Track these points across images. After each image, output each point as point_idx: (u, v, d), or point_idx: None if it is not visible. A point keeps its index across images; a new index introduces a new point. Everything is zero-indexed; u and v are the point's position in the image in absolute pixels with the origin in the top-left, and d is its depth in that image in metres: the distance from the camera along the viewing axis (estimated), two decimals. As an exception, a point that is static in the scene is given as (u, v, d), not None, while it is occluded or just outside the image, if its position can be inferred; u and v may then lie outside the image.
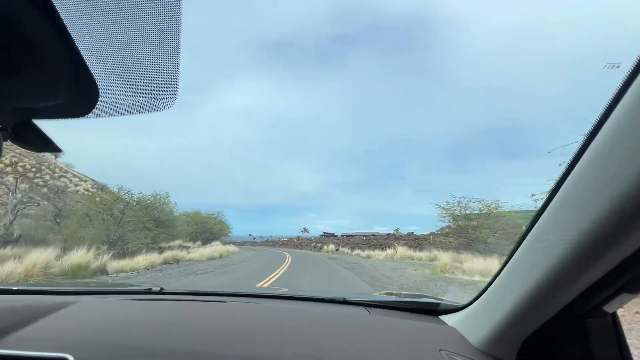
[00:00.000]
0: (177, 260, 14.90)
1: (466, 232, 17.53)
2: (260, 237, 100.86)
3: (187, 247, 23.28)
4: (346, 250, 28.79)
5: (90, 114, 0.54)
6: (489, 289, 0.82)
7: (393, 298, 1.44)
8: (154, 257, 13.56)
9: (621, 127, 0.44)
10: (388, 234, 43.70)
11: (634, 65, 0.42)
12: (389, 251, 22.58)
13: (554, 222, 0.57)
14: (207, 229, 37.16)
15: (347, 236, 48.96)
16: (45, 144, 0.57)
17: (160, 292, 1.36)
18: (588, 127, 0.50)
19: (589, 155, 0.49)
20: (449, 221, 19.50)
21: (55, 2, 0.39)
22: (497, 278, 0.77)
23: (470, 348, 0.82)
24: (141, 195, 26.53)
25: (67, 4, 0.42)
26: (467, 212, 17.86)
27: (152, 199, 27.03)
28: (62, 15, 0.41)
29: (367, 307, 1.16)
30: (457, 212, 18.51)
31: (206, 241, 31.94)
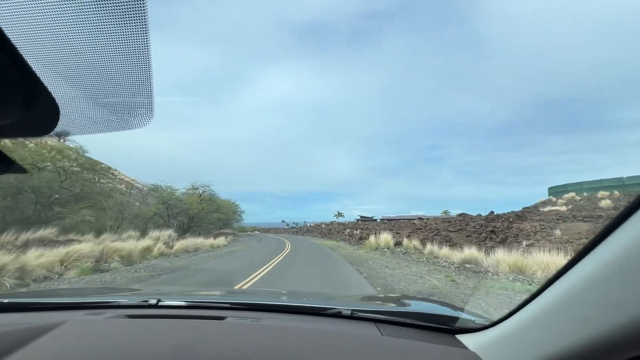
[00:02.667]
0: None
1: None
2: (294, 223, 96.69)
3: (74, 241, 10.02)
4: (418, 246, 12.89)
5: (55, 131, 0.49)
6: (524, 309, 0.70)
7: (406, 309, 1.30)
8: None
9: None
10: (461, 214, 27.53)
11: None
12: None
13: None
14: (181, 211, 24.17)
15: (387, 220, 42.34)
16: (6, 166, 0.53)
17: (157, 306, 1.33)
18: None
19: None
20: None
21: None
22: (539, 299, 0.64)
23: None
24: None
25: (9, 18, 0.38)
26: None
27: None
28: (5, 30, 0.37)
29: (377, 324, 1.12)
30: None
31: (170, 229, 19.09)
